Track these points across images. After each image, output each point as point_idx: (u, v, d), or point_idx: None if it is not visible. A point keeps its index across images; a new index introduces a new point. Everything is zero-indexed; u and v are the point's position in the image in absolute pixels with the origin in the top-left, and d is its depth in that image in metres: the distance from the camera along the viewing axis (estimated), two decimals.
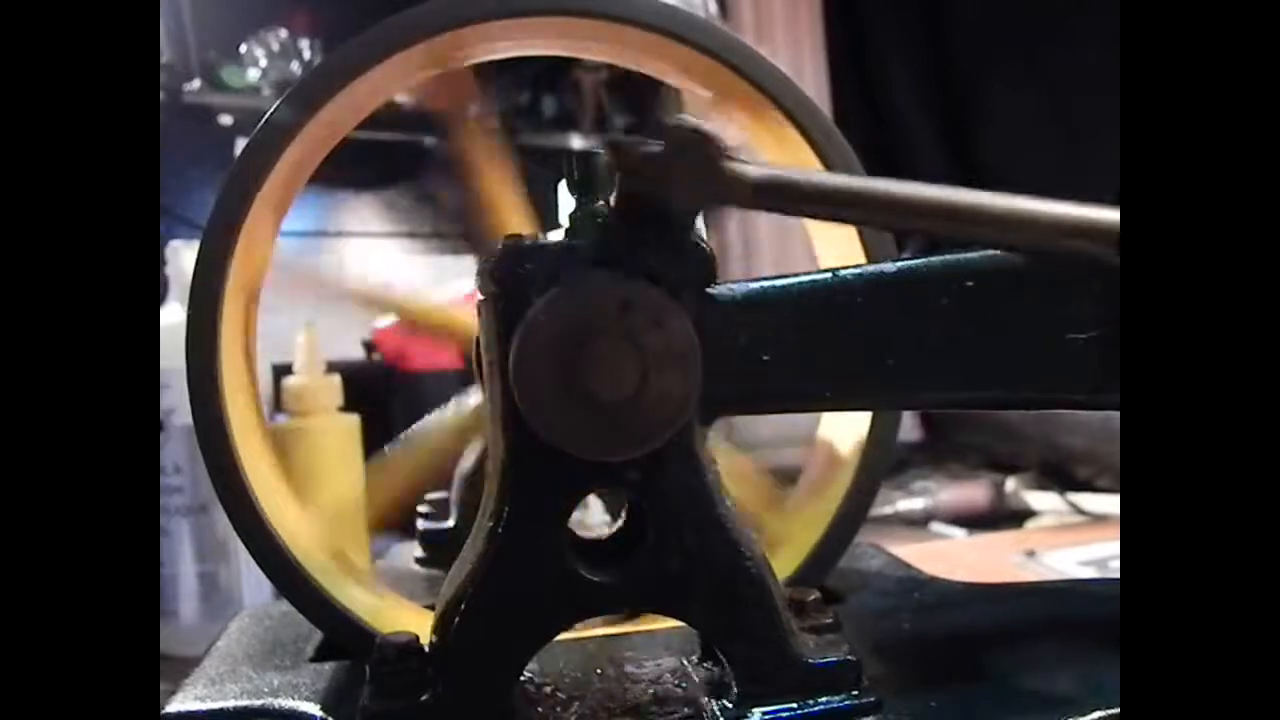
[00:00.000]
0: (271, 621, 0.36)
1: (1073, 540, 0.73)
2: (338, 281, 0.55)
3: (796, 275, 0.28)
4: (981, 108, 1.40)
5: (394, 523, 0.49)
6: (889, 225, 0.29)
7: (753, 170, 0.25)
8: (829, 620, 0.29)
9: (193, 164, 1.08)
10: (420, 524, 0.46)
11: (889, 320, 0.28)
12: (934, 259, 0.28)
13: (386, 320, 1.02)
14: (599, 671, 0.30)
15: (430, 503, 0.46)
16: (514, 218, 0.39)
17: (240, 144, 0.32)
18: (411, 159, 1.35)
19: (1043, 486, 0.91)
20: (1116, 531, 0.71)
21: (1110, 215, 0.24)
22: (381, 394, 0.95)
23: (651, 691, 0.28)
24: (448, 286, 1.00)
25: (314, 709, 0.28)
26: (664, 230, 0.27)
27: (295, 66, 1.39)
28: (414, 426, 0.44)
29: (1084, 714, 0.26)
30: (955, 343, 0.28)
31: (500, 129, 0.39)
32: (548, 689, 0.29)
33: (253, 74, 1.38)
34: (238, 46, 1.38)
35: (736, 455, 0.39)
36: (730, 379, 0.27)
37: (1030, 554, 0.69)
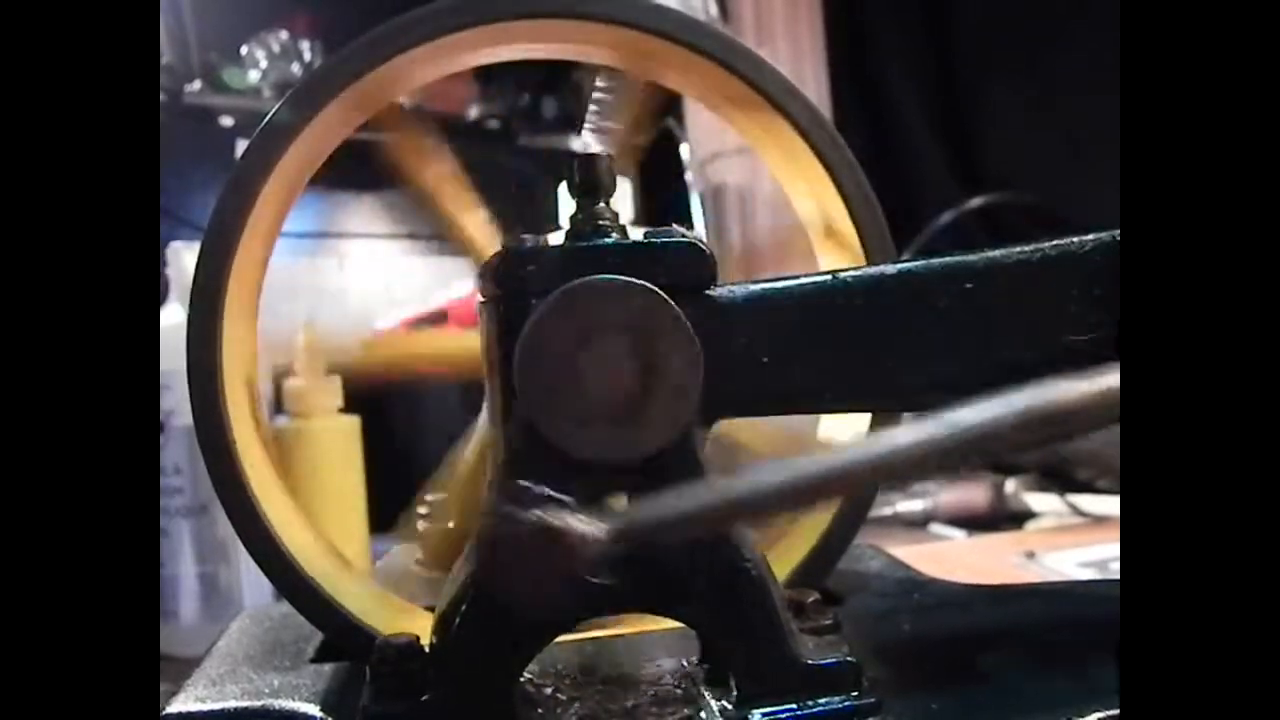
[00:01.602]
0: (272, 622, 0.36)
1: (1073, 542, 0.72)
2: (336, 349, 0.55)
3: (796, 277, 0.28)
4: (982, 110, 1.40)
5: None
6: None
7: (600, 536, 0.22)
8: (828, 621, 0.29)
9: (193, 165, 1.08)
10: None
11: (889, 322, 0.28)
12: (934, 261, 0.28)
13: (387, 322, 1.02)
14: (599, 673, 0.30)
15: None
16: (466, 215, 0.38)
17: (241, 145, 0.32)
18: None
19: (1043, 488, 0.91)
20: (1116, 533, 0.71)
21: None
22: (382, 396, 0.95)
23: (651, 693, 0.28)
24: (447, 288, 1.00)
25: (314, 710, 0.28)
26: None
27: (296, 68, 1.39)
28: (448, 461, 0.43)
29: (1083, 715, 0.26)
30: (955, 344, 0.28)
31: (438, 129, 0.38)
32: (548, 690, 0.29)
33: (253, 75, 1.38)
34: (239, 48, 1.39)
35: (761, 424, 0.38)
36: (730, 381, 0.27)
37: (1030, 555, 0.69)
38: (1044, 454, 0.95)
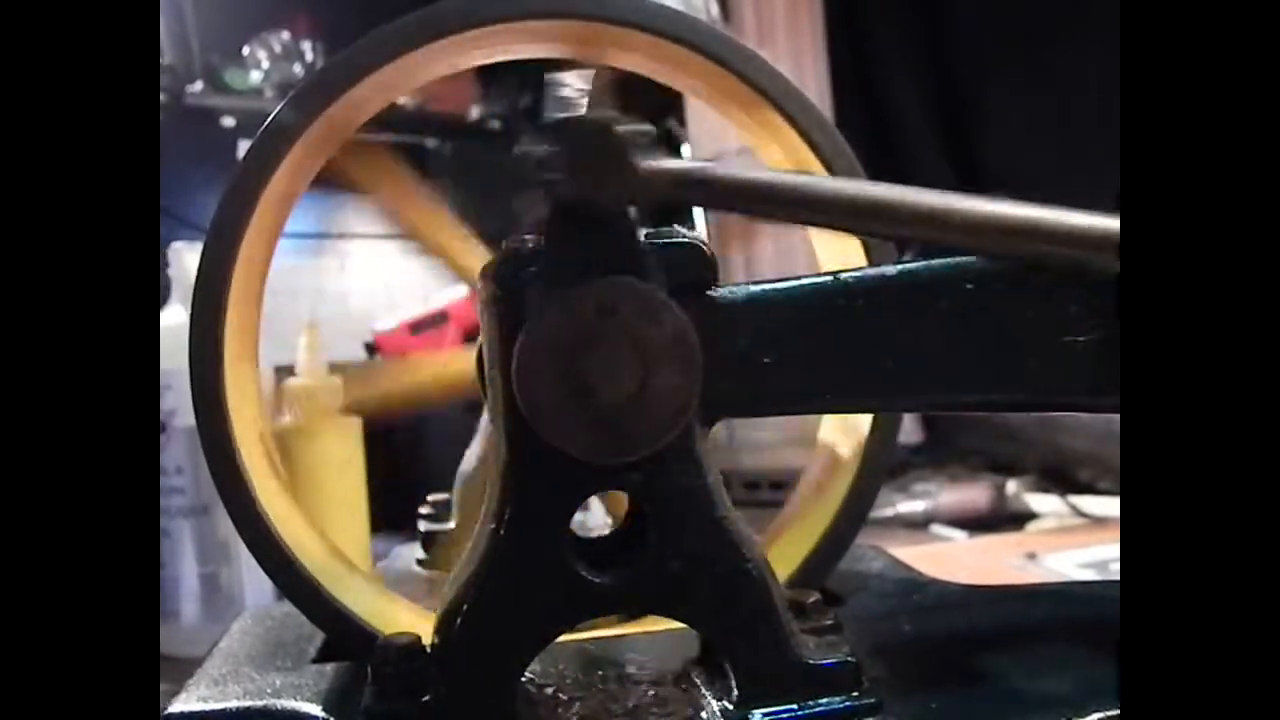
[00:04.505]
0: (273, 622, 0.36)
1: (1073, 543, 0.73)
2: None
3: (797, 278, 0.28)
4: (983, 109, 1.40)
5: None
6: (835, 225, 0.27)
7: (671, 164, 0.25)
8: (829, 622, 0.29)
9: (195, 166, 1.08)
10: (422, 525, 0.46)
11: (889, 323, 0.28)
12: (935, 262, 0.28)
13: (388, 323, 1.02)
14: (600, 673, 0.30)
15: (432, 504, 0.46)
16: (446, 235, 0.38)
17: (243, 146, 0.32)
18: (413, 161, 1.35)
19: (1043, 489, 0.91)
20: (1117, 534, 0.71)
21: (1108, 223, 0.24)
22: None
23: (652, 693, 0.29)
24: (449, 289, 1.00)
25: (316, 710, 0.29)
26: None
27: (298, 68, 1.39)
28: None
29: (1083, 716, 0.26)
30: (955, 345, 0.28)
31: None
32: (549, 690, 0.29)
33: (255, 76, 1.38)
34: (240, 49, 1.39)
35: None
36: (731, 381, 0.27)
37: (1030, 556, 0.70)
38: (1045, 455, 0.95)
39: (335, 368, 0.66)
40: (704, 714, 0.27)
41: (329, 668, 0.31)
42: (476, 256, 0.36)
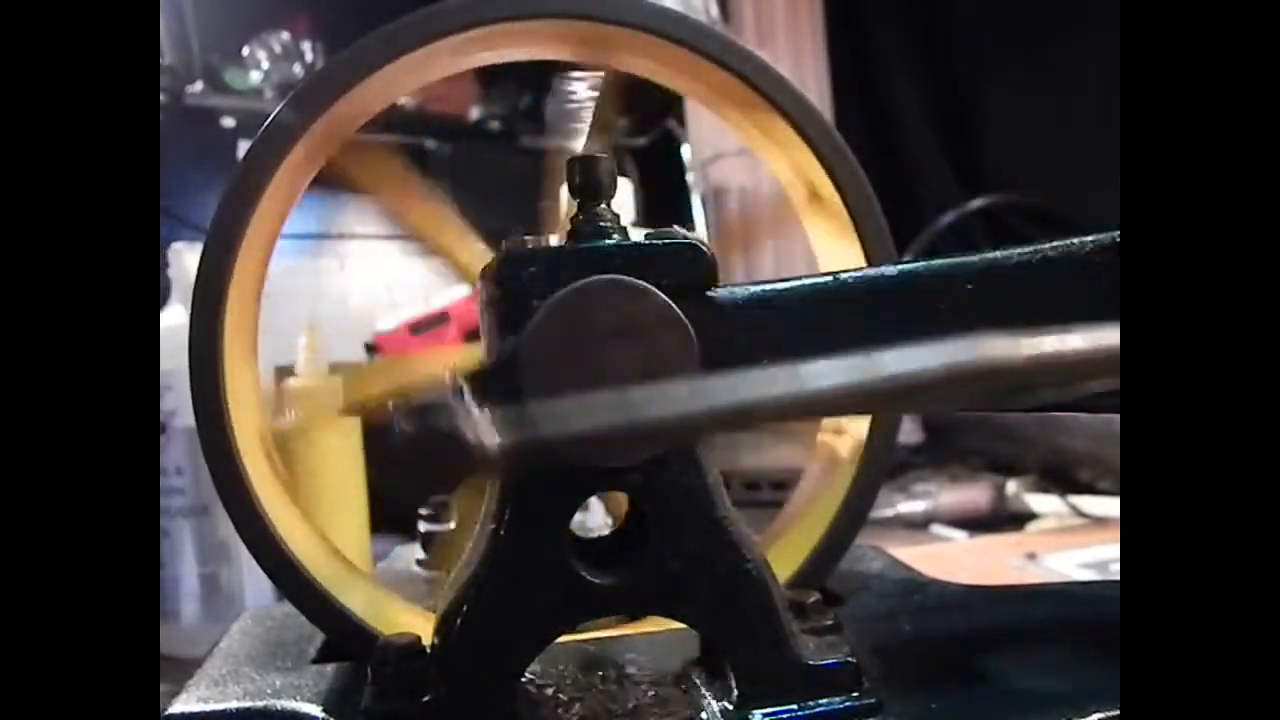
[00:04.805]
0: (273, 623, 0.36)
1: (1073, 543, 0.73)
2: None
3: (797, 278, 0.28)
4: (983, 109, 1.40)
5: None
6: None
7: (508, 438, 0.23)
8: (829, 622, 0.29)
9: (195, 166, 1.08)
10: (422, 526, 0.46)
11: (889, 323, 0.28)
12: (934, 262, 0.28)
13: (388, 324, 1.02)
14: (600, 673, 0.30)
15: (432, 504, 0.46)
16: (448, 235, 0.39)
17: (243, 146, 0.32)
18: (413, 161, 1.35)
19: (1043, 489, 0.91)
20: (1117, 534, 0.71)
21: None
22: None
23: (652, 693, 0.29)
24: (449, 289, 1.00)
25: (316, 710, 0.29)
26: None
27: (297, 69, 1.39)
28: None
29: (1083, 716, 0.26)
30: None
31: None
32: (549, 690, 0.29)
33: (255, 76, 1.38)
34: (240, 49, 1.39)
35: None
36: None
37: (1031, 556, 0.70)
38: (1045, 455, 0.95)
39: (335, 368, 0.66)
40: (704, 714, 0.27)
41: (329, 668, 0.31)
42: (478, 256, 0.36)
